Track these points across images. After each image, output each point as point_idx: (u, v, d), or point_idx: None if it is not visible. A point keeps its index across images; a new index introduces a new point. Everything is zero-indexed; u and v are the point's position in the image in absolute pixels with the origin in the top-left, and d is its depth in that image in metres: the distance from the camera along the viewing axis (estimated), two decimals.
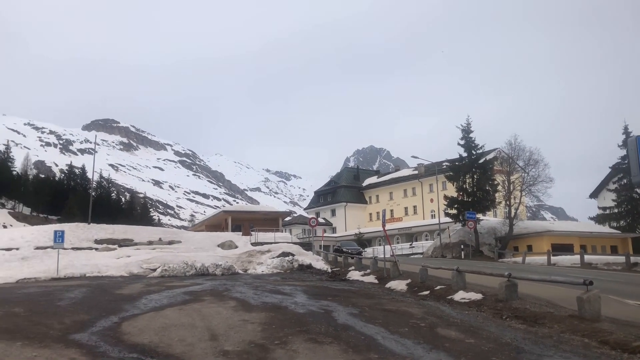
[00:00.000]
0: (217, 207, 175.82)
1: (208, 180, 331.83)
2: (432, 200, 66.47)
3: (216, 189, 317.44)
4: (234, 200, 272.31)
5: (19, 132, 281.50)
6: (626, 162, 45.99)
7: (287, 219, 73.88)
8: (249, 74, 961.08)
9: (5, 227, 66.72)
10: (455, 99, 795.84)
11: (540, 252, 35.87)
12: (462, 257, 39.96)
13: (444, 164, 55.67)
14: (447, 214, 47.02)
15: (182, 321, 9.63)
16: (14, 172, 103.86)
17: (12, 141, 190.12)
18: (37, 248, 28.11)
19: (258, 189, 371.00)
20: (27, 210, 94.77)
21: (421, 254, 49.72)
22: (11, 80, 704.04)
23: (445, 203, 46.61)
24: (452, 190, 49.28)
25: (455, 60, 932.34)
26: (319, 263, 28.56)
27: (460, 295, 12.94)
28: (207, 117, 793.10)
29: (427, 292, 14.67)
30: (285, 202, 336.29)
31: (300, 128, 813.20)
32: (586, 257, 30.11)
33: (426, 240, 60.49)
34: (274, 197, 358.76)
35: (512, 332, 8.80)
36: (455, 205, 45.50)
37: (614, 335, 7.92)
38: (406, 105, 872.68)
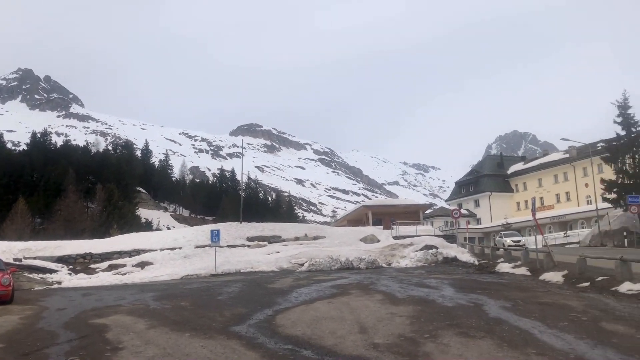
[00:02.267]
0: (357, 202, 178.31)
1: (347, 176, 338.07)
2: (586, 185, 61.25)
3: (355, 184, 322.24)
4: (373, 195, 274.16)
5: (175, 142, 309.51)
6: None
7: (428, 211, 72.67)
8: (384, 69, 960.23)
9: (169, 228, 73.77)
10: (599, 75, 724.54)
11: None
12: (626, 245, 36.30)
13: (598, 144, 50.98)
14: (605, 199, 43.05)
15: (331, 314, 9.89)
16: (173, 178, 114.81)
17: (170, 150, 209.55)
18: (197, 247, 30.55)
19: (396, 183, 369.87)
20: (186, 213, 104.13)
21: (577, 243, 46.06)
22: (168, 93, 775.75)
23: (603, 187, 42.76)
24: (609, 173, 45.04)
25: (594, 36, 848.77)
26: (465, 255, 27.68)
27: (626, 287, 11.77)
28: (343, 115, 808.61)
29: (587, 284, 13.55)
30: (424, 194, 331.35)
31: (437, 118, 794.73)
32: None
33: (582, 228, 55.94)
34: (413, 189, 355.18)
35: None
36: (615, 189, 41.52)
37: None
38: (549, 85, 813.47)
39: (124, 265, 26.32)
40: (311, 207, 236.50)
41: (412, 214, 51.54)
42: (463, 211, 65.95)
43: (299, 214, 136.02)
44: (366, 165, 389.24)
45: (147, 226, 67.69)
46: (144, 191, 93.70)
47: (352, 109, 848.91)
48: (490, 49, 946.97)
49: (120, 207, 61.88)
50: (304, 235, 36.20)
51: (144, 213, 76.31)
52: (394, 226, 40.17)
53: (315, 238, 35.56)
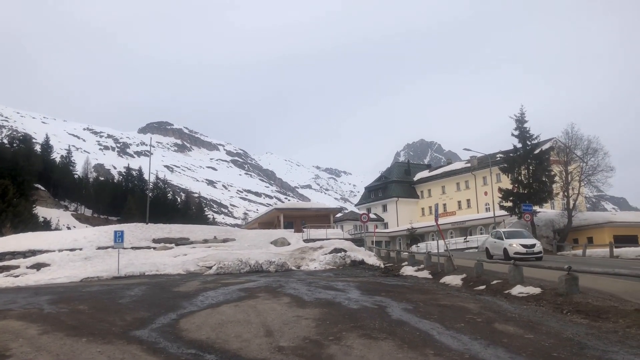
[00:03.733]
0: (269, 205, 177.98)
1: (260, 179, 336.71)
2: (486, 193, 65.02)
3: (268, 187, 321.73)
4: (286, 198, 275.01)
5: (79, 137, 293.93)
6: None
7: (339, 215, 73.92)
8: (297, 73, 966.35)
9: (69, 228, 69.91)
10: (506, 91, 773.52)
11: (601, 244, 34.49)
12: None
13: (497, 155, 54.34)
14: (502, 207, 45.89)
15: (238, 317, 9.79)
16: (76, 176, 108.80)
17: (73, 146, 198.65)
18: (99, 248, 29.23)
19: (309, 186, 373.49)
20: (88, 212, 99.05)
21: (476, 248, 48.68)
22: (70, 86, 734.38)
23: (500, 196, 45.53)
24: (506, 183, 48.05)
25: (502, 52, 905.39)
26: (372, 259, 28.42)
27: (517, 290, 12.59)
28: (257, 118, 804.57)
29: (483, 287, 14.36)
30: (336, 198, 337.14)
31: (349, 125, 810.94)
32: None
33: (481, 234, 59.21)
34: (325, 193, 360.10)
35: (574, 327, 8.49)
36: (511, 198, 44.39)
37: None
38: (456, 98, 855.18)
39: (17, 267, 24.61)
40: (222, 209, 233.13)
41: (323, 217, 52.21)
42: (372, 215, 67.78)
43: (209, 216, 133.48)
44: (280, 168, 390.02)
45: (46, 226, 63.66)
46: (42, 188, 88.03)
47: (267, 112, 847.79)
48: (403, 59, 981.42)
49: (15, 205, 57.66)
50: (213, 237, 35.63)
51: (42, 212, 71.61)
52: (304, 229, 40.54)
53: (225, 241, 35.11)
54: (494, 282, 14.49)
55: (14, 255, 27.26)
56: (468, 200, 71.80)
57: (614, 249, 30.25)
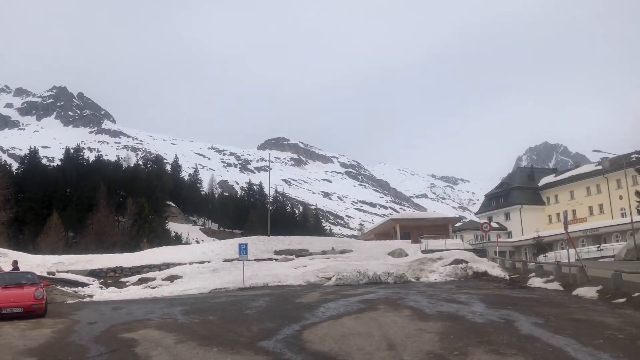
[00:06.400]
0: (385, 215, 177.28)
1: (374, 189, 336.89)
2: (621, 197, 59.78)
3: (382, 197, 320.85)
4: (401, 208, 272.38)
5: (204, 156, 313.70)
6: None
7: (457, 225, 71.80)
8: (408, 79, 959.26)
9: (197, 241, 74.53)
10: (628, 87, 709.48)
11: None
12: None
13: (633, 155, 49.92)
14: None
15: (359, 330, 9.80)
16: (202, 192, 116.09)
17: (199, 164, 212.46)
18: (225, 260, 30.71)
19: (424, 196, 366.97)
20: (214, 226, 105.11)
21: (612, 257, 44.82)
22: (197, 108, 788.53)
23: (638, 200, 41.74)
24: None
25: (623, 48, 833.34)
26: (495, 270, 27.19)
27: None
28: (370, 128, 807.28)
29: (623, 300, 13.14)
30: (453, 207, 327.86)
31: (465, 130, 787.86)
32: None
33: (617, 241, 54.47)
34: (442, 202, 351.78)
35: None
36: None
37: None
38: (578, 97, 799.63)
39: (153, 279, 26.59)
40: (338, 220, 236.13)
41: (440, 227, 50.98)
42: (493, 224, 65.05)
43: (326, 228, 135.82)
44: (393, 178, 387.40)
45: (177, 240, 68.42)
46: (173, 205, 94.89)
47: (379, 122, 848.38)
48: (521, 58, 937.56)
49: (150, 221, 62.76)
50: (331, 249, 36.08)
51: (173, 227, 77.19)
52: (422, 240, 39.75)
53: (343, 252, 35.40)
54: (636, 294, 13.19)
55: (150, 268, 29.42)
56: (600, 206, 66.57)
57: None
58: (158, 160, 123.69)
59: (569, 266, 19.69)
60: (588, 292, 15.30)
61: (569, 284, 18.03)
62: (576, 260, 19.84)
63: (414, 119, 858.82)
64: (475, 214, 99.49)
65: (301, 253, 34.80)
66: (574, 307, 12.56)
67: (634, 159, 47.46)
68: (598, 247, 53.00)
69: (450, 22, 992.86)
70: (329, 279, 24.91)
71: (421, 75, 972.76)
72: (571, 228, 29.15)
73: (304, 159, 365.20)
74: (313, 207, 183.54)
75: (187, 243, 64.52)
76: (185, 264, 29.66)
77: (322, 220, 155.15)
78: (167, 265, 29.61)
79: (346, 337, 9.07)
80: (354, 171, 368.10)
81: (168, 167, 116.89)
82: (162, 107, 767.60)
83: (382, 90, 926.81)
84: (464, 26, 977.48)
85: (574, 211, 68.12)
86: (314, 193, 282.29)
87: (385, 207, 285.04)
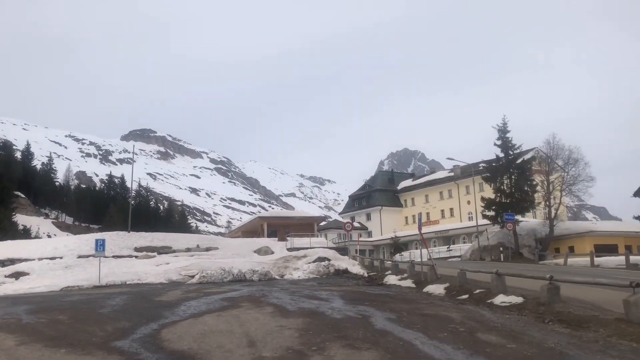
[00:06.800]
0: (253, 213, 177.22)
1: (243, 187, 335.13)
2: (469, 203, 65.46)
3: (252, 195, 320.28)
4: (269, 206, 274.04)
5: (60, 144, 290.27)
6: None
7: (322, 223, 73.82)
8: (281, 79, 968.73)
9: (49, 236, 68.84)
10: (492, 100, 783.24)
11: (582, 254, 34.88)
12: (502, 259, 39.17)
13: (480, 165, 54.72)
14: (484, 216, 46.19)
15: (220, 327, 9.70)
16: (57, 183, 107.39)
17: (55, 153, 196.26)
18: (80, 257, 28.81)
19: (293, 195, 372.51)
20: (69, 220, 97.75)
21: (459, 257, 48.96)
22: (54, 93, 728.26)
23: (483, 205, 45.81)
24: (489, 192, 48.42)
25: (489, 65, 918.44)
26: (355, 268, 28.41)
27: (500, 299, 12.66)
28: (241, 125, 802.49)
29: (466, 296, 14.42)
30: (320, 207, 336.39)
31: (333, 133, 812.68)
32: (632, 257, 29.06)
33: (464, 243, 59.60)
34: (309, 202, 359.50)
35: (556, 336, 8.55)
36: (493, 207, 44.69)
37: None
38: (440, 107, 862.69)
39: None
40: (205, 217, 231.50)
41: (306, 226, 52.07)
42: (355, 224, 67.78)
43: (192, 224, 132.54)
44: (264, 176, 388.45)
45: (25, 234, 62.58)
46: (23, 196, 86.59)
47: (251, 120, 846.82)
48: (388, 69, 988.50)
49: None
50: (196, 246, 35.36)
51: (22, 219, 70.50)
52: (288, 238, 40.36)
53: (208, 249, 34.86)
54: (477, 291, 14.56)
55: None
56: (451, 209, 72.23)
57: (595, 258, 30.64)
58: (6, 146, 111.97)
59: (421, 265, 21.18)
60: (437, 289, 16.57)
61: (421, 281, 19.39)
62: (428, 260, 21.38)
63: (286, 119, 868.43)
64: (340, 213, 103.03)
65: (164, 250, 33.70)
66: (423, 303, 13.52)
67: (481, 167, 52.07)
68: (448, 247, 57.58)
69: (322, 23, 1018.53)
70: (193, 276, 24.43)
71: (293, 79, 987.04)
72: (425, 229, 31.33)
73: (171, 153, 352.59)
74: (179, 203, 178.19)
75: (37, 237, 59.26)
76: (33, 259, 27.39)
77: (189, 217, 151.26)
78: (12, 261, 27.21)
79: (206, 335, 8.93)
80: (224, 168, 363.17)
81: (18, 155, 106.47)
82: (13, 88, 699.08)
83: (255, 88, 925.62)
84: (336, 29, 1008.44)
85: (428, 214, 73.22)
86: (180, 188, 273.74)
87: (254, 205, 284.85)
